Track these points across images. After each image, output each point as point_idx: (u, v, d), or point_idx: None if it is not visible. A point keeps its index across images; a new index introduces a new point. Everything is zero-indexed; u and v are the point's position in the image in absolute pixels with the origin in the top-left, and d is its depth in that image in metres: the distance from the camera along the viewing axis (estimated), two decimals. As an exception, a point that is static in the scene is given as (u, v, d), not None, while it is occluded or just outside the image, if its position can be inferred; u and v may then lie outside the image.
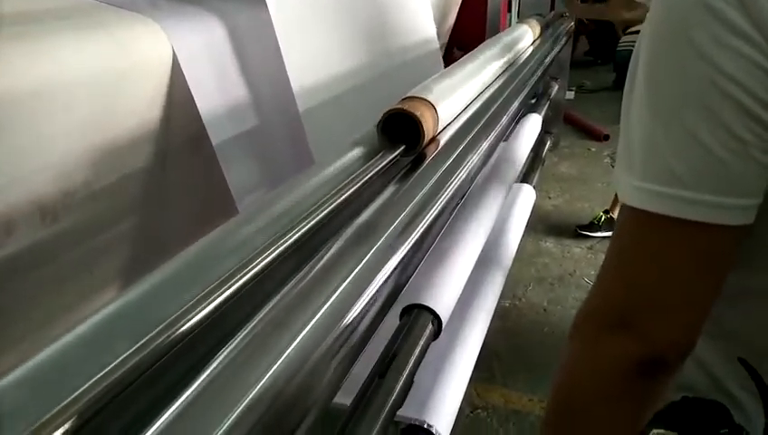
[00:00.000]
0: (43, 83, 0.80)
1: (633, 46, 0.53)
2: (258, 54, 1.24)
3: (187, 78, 1.05)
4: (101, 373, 0.42)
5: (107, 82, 0.92)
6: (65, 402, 0.39)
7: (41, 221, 0.86)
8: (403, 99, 0.98)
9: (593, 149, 3.98)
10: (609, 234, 2.78)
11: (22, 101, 0.78)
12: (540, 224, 2.89)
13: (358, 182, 0.78)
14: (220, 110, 1.14)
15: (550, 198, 3.24)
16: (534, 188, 2.12)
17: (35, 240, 0.86)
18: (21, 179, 0.82)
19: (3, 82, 0.75)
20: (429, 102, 0.99)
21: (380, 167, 0.85)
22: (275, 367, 0.50)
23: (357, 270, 0.65)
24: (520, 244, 1.70)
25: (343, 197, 0.75)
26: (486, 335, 1.21)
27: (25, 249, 0.84)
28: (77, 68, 0.86)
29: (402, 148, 0.93)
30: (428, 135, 0.97)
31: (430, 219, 0.82)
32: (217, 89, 1.14)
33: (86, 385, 0.41)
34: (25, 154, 0.80)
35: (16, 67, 0.77)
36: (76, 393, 0.40)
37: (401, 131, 0.95)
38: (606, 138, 4.07)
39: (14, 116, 0.77)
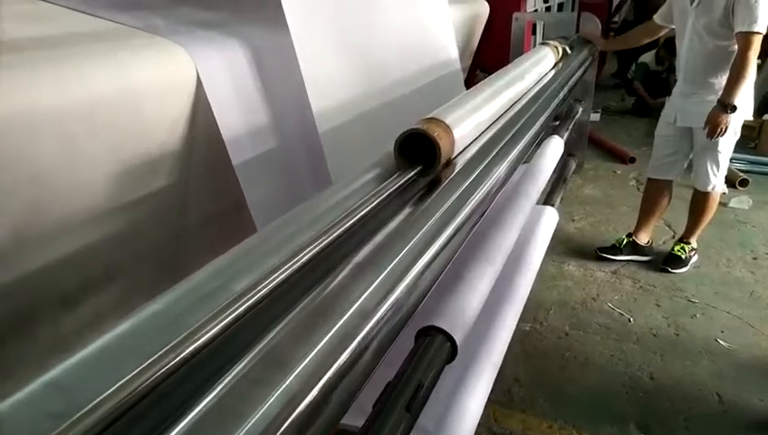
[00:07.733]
0: (68, 105, 0.83)
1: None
2: (279, 77, 1.26)
3: (210, 100, 1.07)
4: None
5: (133, 104, 0.95)
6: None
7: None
8: (420, 120, 0.99)
9: (619, 172, 3.93)
10: (630, 258, 2.72)
11: (47, 122, 0.81)
12: (562, 246, 2.85)
13: (373, 202, 0.79)
14: (241, 130, 1.16)
15: (573, 220, 3.20)
16: (557, 210, 2.10)
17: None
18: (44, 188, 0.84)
19: (27, 100, 0.78)
20: (446, 124, 0.99)
21: (396, 187, 0.85)
22: (285, 385, 0.50)
23: (370, 290, 0.65)
24: (542, 266, 1.68)
25: (358, 216, 0.75)
26: (505, 359, 1.19)
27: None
28: (103, 91, 0.88)
29: (419, 168, 0.93)
30: (445, 156, 0.97)
31: (445, 241, 0.81)
32: (239, 110, 1.16)
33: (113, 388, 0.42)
34: (53, 171, 0.83)
35: (41, 88, 0.80)
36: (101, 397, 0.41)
37: (419, 154, 0.95)
38: (632, 160, 4.02)
39: (40, 133, 0.80)
